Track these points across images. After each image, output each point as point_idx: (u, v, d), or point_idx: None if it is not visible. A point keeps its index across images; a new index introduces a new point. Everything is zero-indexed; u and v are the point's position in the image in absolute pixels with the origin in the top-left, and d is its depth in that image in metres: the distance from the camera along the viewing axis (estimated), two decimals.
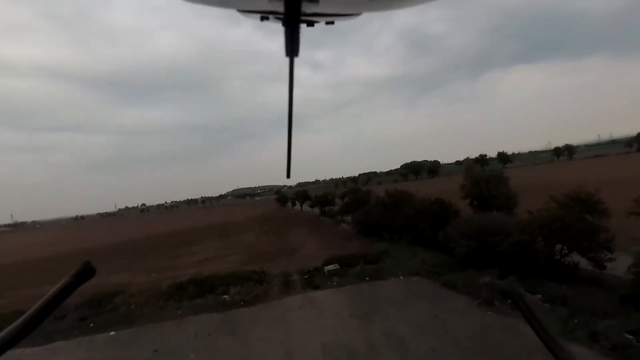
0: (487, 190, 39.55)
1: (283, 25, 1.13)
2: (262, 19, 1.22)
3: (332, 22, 1.31)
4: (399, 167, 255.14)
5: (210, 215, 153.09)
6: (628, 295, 16.66)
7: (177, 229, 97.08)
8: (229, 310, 23.40)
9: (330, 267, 29.62)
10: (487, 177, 41.48)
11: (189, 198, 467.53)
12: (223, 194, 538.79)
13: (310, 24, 1.24)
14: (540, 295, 18.75)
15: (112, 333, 21.85)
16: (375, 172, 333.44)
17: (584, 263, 21.67)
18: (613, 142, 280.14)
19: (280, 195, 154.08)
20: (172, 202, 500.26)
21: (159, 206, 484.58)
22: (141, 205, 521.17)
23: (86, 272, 1.42)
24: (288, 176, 1.54)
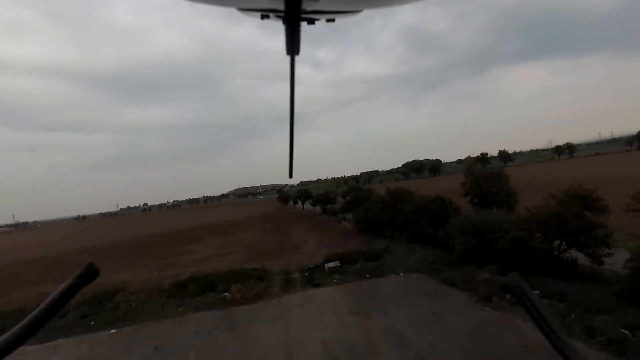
0: (487, 188, 39.62)
1: (283, 23, 1.14)
2: (263, 17, 1.22)
3: (333, 20, 1.32)
4: (401, 165, 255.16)
5: (212, 214, 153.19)
6: (624, 290, 16.74)
7: (178, 227, 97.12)
8: (229, 308, 23.51)
9: (331, 264, 29.71)
10: (487, 175, 41.58)
11: (191, 197, 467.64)
12: (225, 193, 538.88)
13: (311, 21, 1.24)
14: (538, 291, 18.79)
15: (113, 331, 21.98)
16: (377, 170, 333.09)
17: (582, 259, 21.77)
18: (614, 141, 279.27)
19: (282, 194, 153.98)
20: (174, 201, 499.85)
21: (161, 206, 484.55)
22: (143, 205, 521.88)
23: (89, 274, 1.42)
24: (290, 175, 1.56)
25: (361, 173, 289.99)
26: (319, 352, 16.25)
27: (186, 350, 18.08)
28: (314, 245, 43.03)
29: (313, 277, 28.13)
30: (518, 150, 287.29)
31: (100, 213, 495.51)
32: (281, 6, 1.08)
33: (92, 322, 23.06)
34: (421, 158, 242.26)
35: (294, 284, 27.30)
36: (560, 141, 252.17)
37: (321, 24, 1.29)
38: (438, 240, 30.76)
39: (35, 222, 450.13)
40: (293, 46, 1.16)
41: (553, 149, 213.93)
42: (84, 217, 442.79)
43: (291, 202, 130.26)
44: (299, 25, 1.14)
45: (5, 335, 1.22)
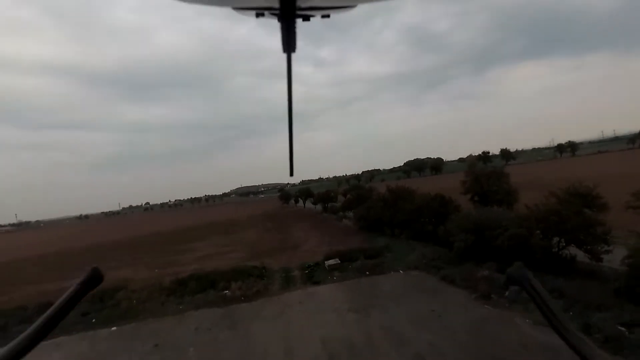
0: (487, 186, 39.65)
1: (279, 20, 1.14)
2: (258, 15, 1.22)
3: (328, 16, 1.32)
4: (403, 164, 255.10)
5: (213, 213, 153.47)
6: (622, 287, 16.76)
7: (180, 226, 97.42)
8: (229, 305, 23.57)
9: (331, 262, 29.78)
10: (487, 173, 41.60)
11: (193, 197, 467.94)
12: (227, 192, 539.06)
13: (306, 18, 1.23)
14: (529, 296, 18.82)
15: (114, 328, 22.07)
16: (379, 169, 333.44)
17: (581, 256, 21.80)
18: (616, 139, 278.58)
19: (283, 193, 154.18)
20: (175, 200, 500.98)
21: (162, 205, 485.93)
22: (145, 204, 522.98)
23: (94, 279, 1.45)
24: (291, 174, 1.55)
25: (363, 172, 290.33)
26: (318, 350, 16.28)
27: (186, 347, 18.14)
28: (314, 244, 43.11)
29: (313, 275, 28.21)
30: (520, 149, 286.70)
31: (102, 212, 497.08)
32: (276, 4, 1.09)
33: (94, 320, 23.16)
34: (423, 157, 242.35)
35: (294, 282, 27.39)
36: (563, 139, 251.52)
37: (317, 20, 1.30)
38: (438, 237, 30.78)
39: (37, 222, 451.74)
40: (289, 43, 1.17)
41: (555, 147, 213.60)
42: (86, 217, 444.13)
43: (292, 201, 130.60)
44: (294, 22, 1.15)
45: (13, 343, 1.24)
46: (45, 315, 1.32)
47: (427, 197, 36.89)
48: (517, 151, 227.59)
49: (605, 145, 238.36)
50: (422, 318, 18.29)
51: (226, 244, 52.25)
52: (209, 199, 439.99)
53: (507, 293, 19.23)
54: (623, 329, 14.12)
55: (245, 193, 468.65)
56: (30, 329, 1.29)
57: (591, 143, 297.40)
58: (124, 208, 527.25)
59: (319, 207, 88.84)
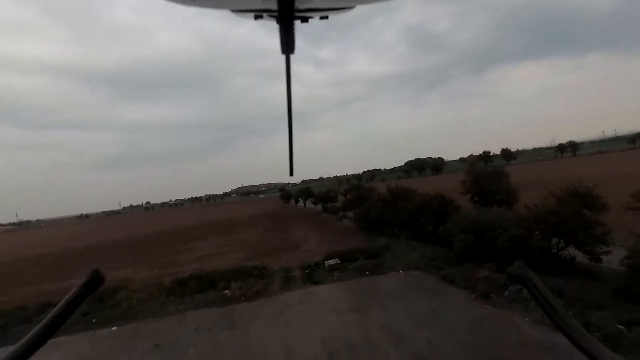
0: (487, 186, 39.66)
1: (277, 22, 1.15)
2: (256, 17, 1.23)
3: (326, 17, 1.32)
4: (403, 164, 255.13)
5: (213, 212, 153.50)
6: (621, 287, 16.82)
7: (180, 226, 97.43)
8: (229, 305, 23.61)
9: (331, 262, 29.82)
10: (487, 173, 41.62)
11: (194, 196, 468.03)
12: (227, 192, 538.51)
13: (305, 19, 1.24)
14: (530, 295, 18.86)
15: (114, 328, 22.12)
16: (380, 169, 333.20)
17: (580, 256, 21.83)
18: (617, 139, 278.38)
19: (284, 192, 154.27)
20: (176, 200, 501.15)
21: (163, 204, 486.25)
22: (145, 204, 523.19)
23: (95, 281, 1.48)
24: (291, 174, 1.56)
25: (363, 171, 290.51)
26: (318, 349, 16.32)
27: (186, 347, 18.19)
28: (314, 243, 43.12)
29: (313, 275, 28.26)
30: (521, 149, 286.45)
31: (102, 212, 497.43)
32: (274, 6, 1.09)
33: (94, 320, 23.21)
34: (424, 156, 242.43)
35: (294, 282, 27.43)
36: (564, 139, 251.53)
37: (315, 21, 1.30)
38: (438, 237, 30.80)
39: (38, 221, 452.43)
40: (288, 45, 1.17)
41: (556, 147, 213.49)
42: (87, 216, 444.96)
43: (293, 201, 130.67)
44: (292, 24, 1.15)
45: (16, 347, 1.27)
46: (47, 318, 1.35)
47: (427, 197, 36.93)
48: (517, 151, 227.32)
49: (606, 145, 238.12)
50: (421, 317, 18.33)
51: (226, 244, 52.26)
52: (209, 198, 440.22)
53: (506, 293, 19.28)
54: (622, 327, 14.19)
55: (246, 193, 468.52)
56: (33, 331, 1.32)
57: (592, 143, 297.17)
58: (124, 207, 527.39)
59: (319, 207, 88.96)
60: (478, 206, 37.39)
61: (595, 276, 20.55)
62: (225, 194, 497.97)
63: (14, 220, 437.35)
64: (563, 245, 22.27)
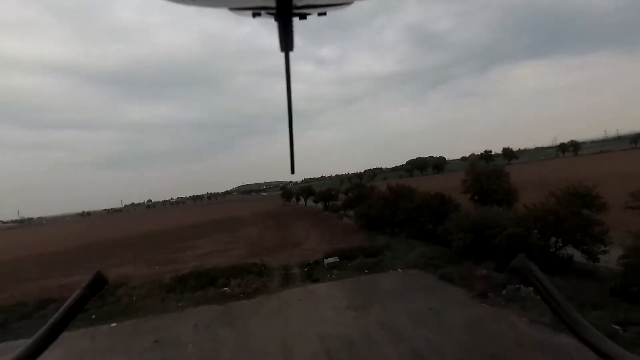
0: (487, 185, 39.65)
1: (275, 20, 1.16)
2: (254, 15, 1.23)
3: (324, 13, 1.32)
4: (405, 163, 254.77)
5: (215, 210, 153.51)
6: (617, 286, 16.84)
7: (181, 224, 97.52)
8: (228, 302, 23.74)
9: (330, 260, 29.89)
10: (487, 172, 41.57)
11: (195, 194, 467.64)
12: (229, 190, 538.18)
13: (303, 16, 1.24)
14: (533, 288, 18.89)
15: (114, 324, 22.27)
16: (381, 168, 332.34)
17: (578, 256, 21.87)
18: (619, 139, 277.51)
19: (285, 191, 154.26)
20: (178, 198, 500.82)
21: (164, 202, 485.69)
22: (147, 202, 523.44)
23: (98, 283, 1.49)
24: (292, 172, 1.57)
25: (365, 170, 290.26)
26: (316, 347, 16.40)
27: (185, 343, 18.31)
28: (315, 242, 43.23)
29: (312, 273, 28.35)
30: (523, 148, 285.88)
31: (104, 209, 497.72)
32: (272, 3, 1.11)
33: (94, 316, 23.31)
34: (425, 155, 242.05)
35: (293, 279, 27.53)
36: (566, 139, 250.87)
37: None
38: (438, 236, 30.87)
39: (40, 218, 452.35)
40: (287, 42, 1.18)
41: (557, 146, 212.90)
42: (88, 214, 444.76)
43: (294, 199, 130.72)
44: (291, 21, 1.17)
45: (19, 351, 1.27)
46: (51, 321, 1.36)
47: (427, 196, 36.98)
48: (519, 150, 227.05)
49: (608, 145, 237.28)
50: (419, 316, 18.41)
51: (227, 242, 52.38)
52: (211, 196, 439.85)
53: (504, 292, 19.34)
54: (617, 327, 14.21)
55: (247, 191, 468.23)
56: (37, 335, 1.32)
57: (594, 142, 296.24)
58: (126, 205, 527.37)
59: (320, 205, 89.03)
60: (478, 205, 37.38)
61: (593, 275, 20.59)
62: (226, 193, 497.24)
63: (15, 217, 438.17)
64: (561, 244, 22.32)
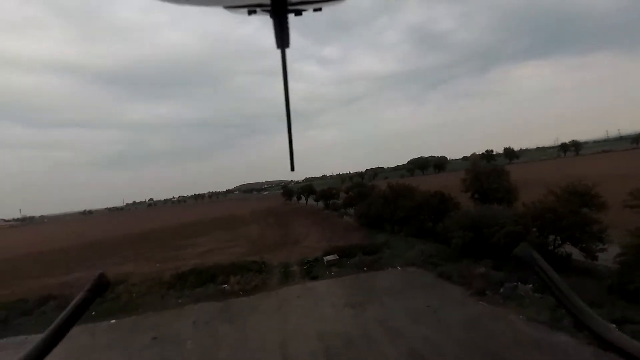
0: (487, 184, 39.62)
1: (271, 17, 1.17)
2: (250, 13, 1.22)
3: (320, 9, 1.32)
4: (406, 162, 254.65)
5: (216, 209, 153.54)
6: (614, 284, 16.86)
7: (183, 222, 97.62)
8: (228, 299, 23.85)
9: (330, 257, 29.98)
10: (488, 171, 41.51)
11: (196, 193, 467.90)
12: (230, 189, 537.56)
13: (298, 12, 1.24)
14: (531, 285, 18.97)
15: (114, 321, 22.38)
16: (382, 167, 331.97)
17: (576, 254, 21.89)
18: (621, 139, 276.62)
19: (286, 189, 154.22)
20: (179, 197, 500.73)
21: (166, 201, 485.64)
22: (148, 200, 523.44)
23: (101, 286, 1.50)
24: (292, 169, 1.57)
25: (366, 169, 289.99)
26: (314, 344, 16.47)
27: (184, 340, 18.40)
28: (315, 240, 43.32)
29: (311, 270, 28.44)
30: (524, 148, 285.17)
31: (106, 208, 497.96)
32: (267, 0, 1.12)
33: (93, 313, 23.34)
34: (427, 155, 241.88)
35: (292, 277, 27.62)
36: (567, 139, 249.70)
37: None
38: (437, 234, 30.92)
39: (41, 217, 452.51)
40: (283, 39, 1.19)
41: (559, 146, 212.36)
42: (90, 212, 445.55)
43: (295, 198, 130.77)
44: (286, 18, 1.18)
45: (23, 355, 1.29)
46: (54, 324, 1.38)
47: (427, 195, 37.01)
48: (521, 150, 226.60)
49: (610, 145, 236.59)
50: (417, 313, 18.47)
51: (228, 239, 52.50)
52: (212, 195, 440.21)
53: (502, 290, 19.38)
54: (613, 325, 14.19)
55: (249, 190, 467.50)
56: (41, 338, 1.35)
57: (595, 142, 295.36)
58: (127, 204, 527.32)
59: (321, 204, 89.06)
60: (478, 204, 37.34)
61: (591, 273, 20.58)
62: (228, 191, 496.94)
63: (17, 216, 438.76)
64: (559, 242, 22.34)
